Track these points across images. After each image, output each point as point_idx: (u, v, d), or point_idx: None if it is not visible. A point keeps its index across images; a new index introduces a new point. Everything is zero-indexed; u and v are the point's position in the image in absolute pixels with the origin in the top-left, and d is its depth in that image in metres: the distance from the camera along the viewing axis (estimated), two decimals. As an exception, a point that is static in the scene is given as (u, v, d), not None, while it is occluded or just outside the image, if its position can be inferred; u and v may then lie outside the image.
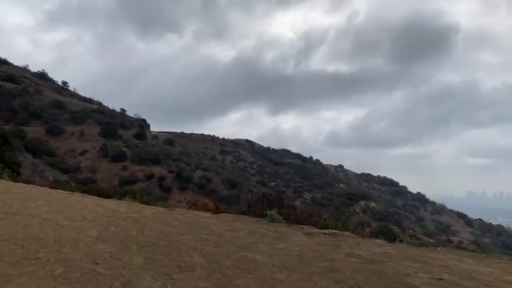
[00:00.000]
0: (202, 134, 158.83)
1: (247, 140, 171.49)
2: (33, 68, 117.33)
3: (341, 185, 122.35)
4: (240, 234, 4.46)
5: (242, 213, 8.21)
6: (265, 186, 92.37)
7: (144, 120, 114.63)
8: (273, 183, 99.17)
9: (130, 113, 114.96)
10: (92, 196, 7.09)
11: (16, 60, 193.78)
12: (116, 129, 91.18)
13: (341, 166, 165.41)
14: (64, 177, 61.69)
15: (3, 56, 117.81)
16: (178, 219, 5.37)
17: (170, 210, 6.10)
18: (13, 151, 32.87)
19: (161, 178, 72.34)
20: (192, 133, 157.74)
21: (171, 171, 75.98)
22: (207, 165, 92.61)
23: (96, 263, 3.51)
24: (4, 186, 7.07)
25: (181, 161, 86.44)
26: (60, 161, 70.39)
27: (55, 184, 45.42)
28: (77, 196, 6.94)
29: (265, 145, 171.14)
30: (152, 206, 6.71)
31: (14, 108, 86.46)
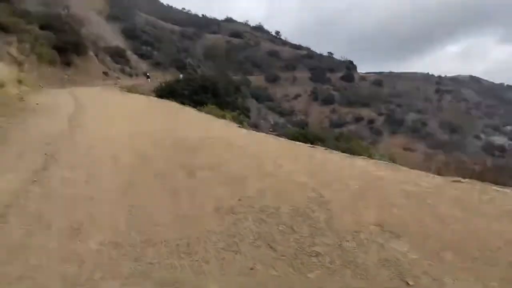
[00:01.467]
0: (414, 73, 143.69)
1: (471, 77, 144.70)
2: (252, 23, 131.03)
3: None
4: None
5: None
6: (498, 131, 76.32)
7: (351, 62, 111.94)
8: (509, 128, 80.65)
9: (337, 56, 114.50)
10: (336, 152, 6.01)
11: (239, 17, 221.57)
12: (324, 73, 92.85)
13: None
14: (282, 120, 68.24)
15: (229, 15, 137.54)
16: (482, 200, 3.58)
17: (453, 181, 4.30)
18: (243, 98, 37.61)
19: (370, 121, 70.27)
20: (402, 72, 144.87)
21: (380, 114, 72.61)
22: (421, 107, 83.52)
23: (408, 284, 2.26)
24: (250, 138, 6.89)
25: (391, 103, 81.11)
26: (277, 105, 77.92)
27: (276, 127, 49.67)
28: (321, 152, 6.01)
29: (496, 81, 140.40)
30: (412, 170, 5.07)
31: (240, 60, 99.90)
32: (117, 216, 3.34)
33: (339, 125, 69.00)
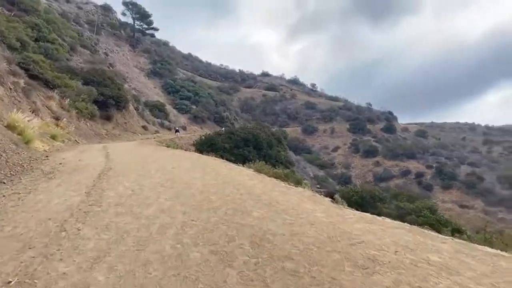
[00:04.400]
0: (458, 123, 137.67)
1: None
2: (287, 76, 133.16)
3: None
4: None
5: None
6: None
7: (390, 113, 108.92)
8: None
9: (376, 106, 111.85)
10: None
11: (274, 71, 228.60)
12: (364, 124, 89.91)
13: None
14: (321, 173, 64.82)
15: (265, 70, 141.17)
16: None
17: None
18: (286, 151, 35.27)
19: (419, 175, 65.09)
20: (445, 122, 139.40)
21: (429, 167, 67.38)
22: (472, 160, 77.12)
23: None
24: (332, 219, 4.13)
25: (439, 155, 75.72)
26: (316, 157, 74.88)
27: (317, 180, 46.72)
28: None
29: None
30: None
31: (276, 113, 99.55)
32: None
33: (385, 179, 64.41)
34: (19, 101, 18.55)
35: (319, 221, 3.92)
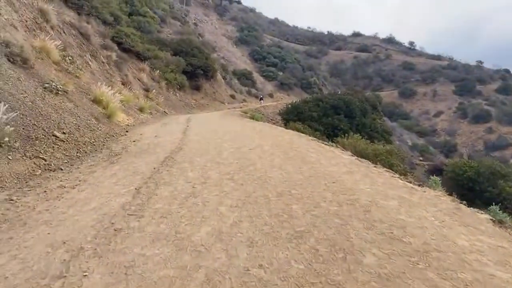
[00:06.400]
0: None
1: None
2: (381, 35, 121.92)
3: None
4: None
5: None
6: None
7: (507, 71, 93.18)
8: None
9: (487, 64, 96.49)
10: None
11: (366, 31, 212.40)
12: (473, 85, 78.39)
13: None
14: (421, 141, 58.74)
15: (357, 30, 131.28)
16: None
17: None
18: (381, 118, 31.86)
19: (545, 143, 54.63)
20: None
21: (560, 134, 56.08)
22: None
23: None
24: None
25: None
26: (415, 123, 67.97)
27: (417, 150, 42.08)
28: None
29: None
30: None
31: (369, 76, 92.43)
32: None
33: (499, 148, 55.70)
34: (111, 74, 19.04)
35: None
